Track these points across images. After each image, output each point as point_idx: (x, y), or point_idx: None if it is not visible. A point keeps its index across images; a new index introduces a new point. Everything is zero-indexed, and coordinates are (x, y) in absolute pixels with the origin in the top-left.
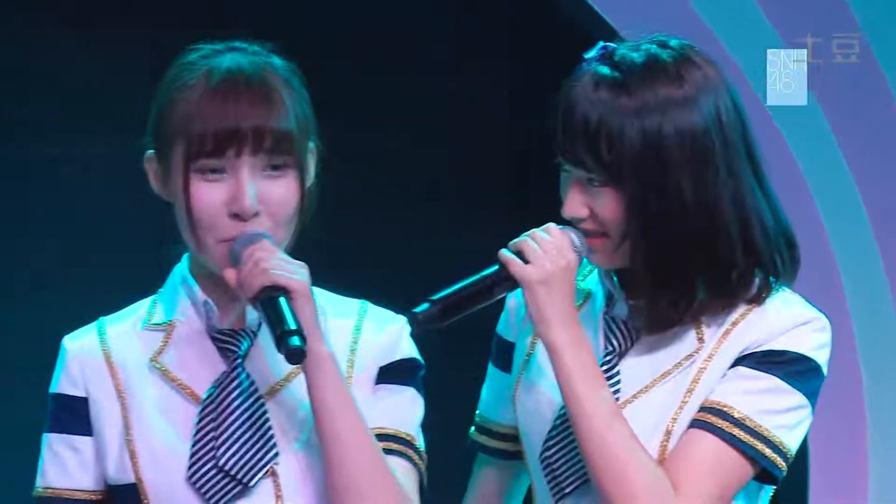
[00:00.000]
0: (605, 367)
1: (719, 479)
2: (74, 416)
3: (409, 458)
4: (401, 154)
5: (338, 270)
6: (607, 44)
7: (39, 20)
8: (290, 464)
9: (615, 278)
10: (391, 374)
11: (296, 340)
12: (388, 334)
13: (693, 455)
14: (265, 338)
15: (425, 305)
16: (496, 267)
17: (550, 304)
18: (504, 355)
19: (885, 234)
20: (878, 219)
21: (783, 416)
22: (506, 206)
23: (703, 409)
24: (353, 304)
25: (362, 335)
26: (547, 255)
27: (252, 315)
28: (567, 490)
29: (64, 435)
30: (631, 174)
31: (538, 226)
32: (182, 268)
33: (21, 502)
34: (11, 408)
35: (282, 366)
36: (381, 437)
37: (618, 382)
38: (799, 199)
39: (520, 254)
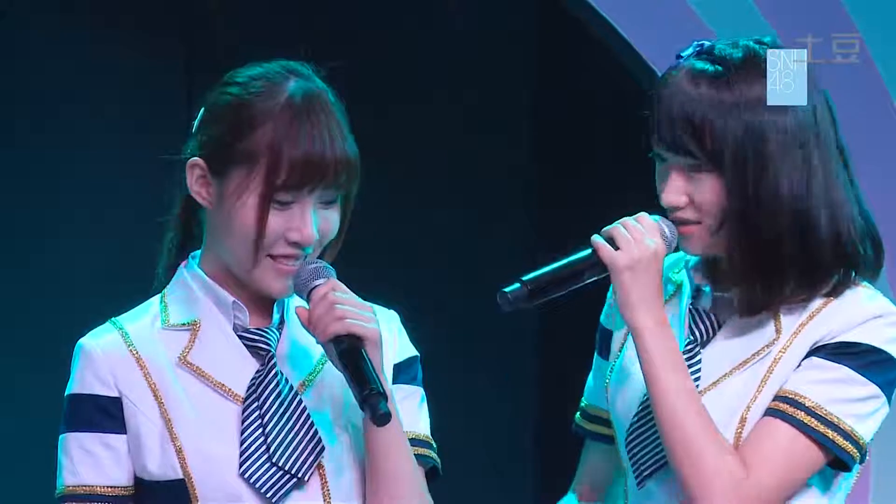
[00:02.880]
0: (686, 356)
1: (790, 465)
2: (107, 415)
3: (430, 459)
4: (404, 152)
5: (345, 271)
6: (703, 41)
7: (44, 20)
8: (330, 455)
9: (701, 269)
10: (404, 373)
11: (384, 406)
12: (393, 332)
13: (765, 442)
14: (290, 334)
15: (516, 286)
16: (587, 251)
17: (636, 289)
18: (605, 344)
19: (885, 234)
20: (878, 218)
21: (855, 405)
22: (521, 205)
23: (776, 398)
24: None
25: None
26: (636, 242)
27: (276, 313)
28: (647, 472)
29: (98, 434)
30: (731, 164)
31: (549, 225)
32: (192, 267)
33: (32, 501)
34: (17, 410)
35: (309, 359)
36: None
37: (698, 371)
38: None
39: (610, 240)
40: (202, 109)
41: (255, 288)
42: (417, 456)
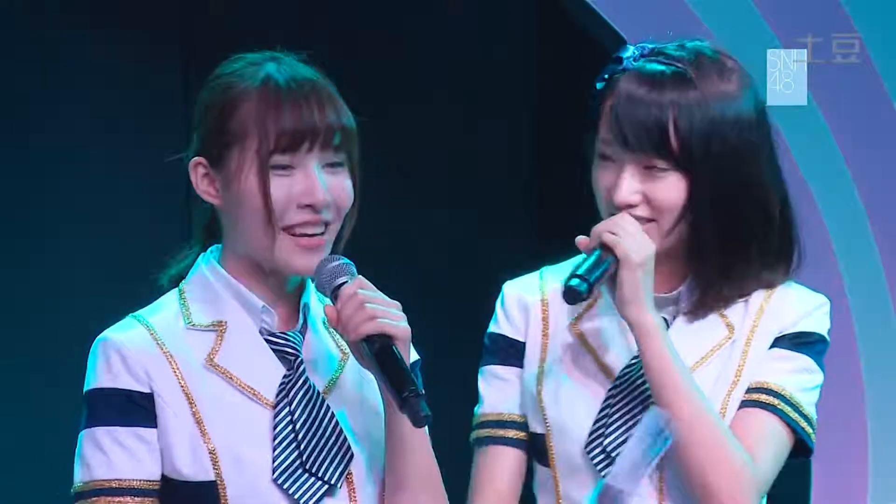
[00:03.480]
0: (639, 360)
1: (777, 452)
2: (140, 409)
3: None
4: (404, 152)
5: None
6: (643, 44)
7: (51, 21)
8: (356, 461)
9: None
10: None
11: (426, 407)
12: None
13: (754, 431)
14: (312, 337)
15: (577, 280)
16: (598, 251)
17: (645, 287)
18: (511, 353)
19: (884, 234)
20: (878, 218)
21: (811, 393)
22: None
23: (754, 389)
24: None
25: None
26: (641, 240)
27: (302, 315)
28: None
29: (131, 427)
30: (699, 160)
31: (545, 227)
32: (212, 265)
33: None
34: (18, 410)
35: (329, 363)
36: None
37: None
38: (798, 198)
39: (610, 236)
40: (195, 109)
41: (280, 269)
42: None
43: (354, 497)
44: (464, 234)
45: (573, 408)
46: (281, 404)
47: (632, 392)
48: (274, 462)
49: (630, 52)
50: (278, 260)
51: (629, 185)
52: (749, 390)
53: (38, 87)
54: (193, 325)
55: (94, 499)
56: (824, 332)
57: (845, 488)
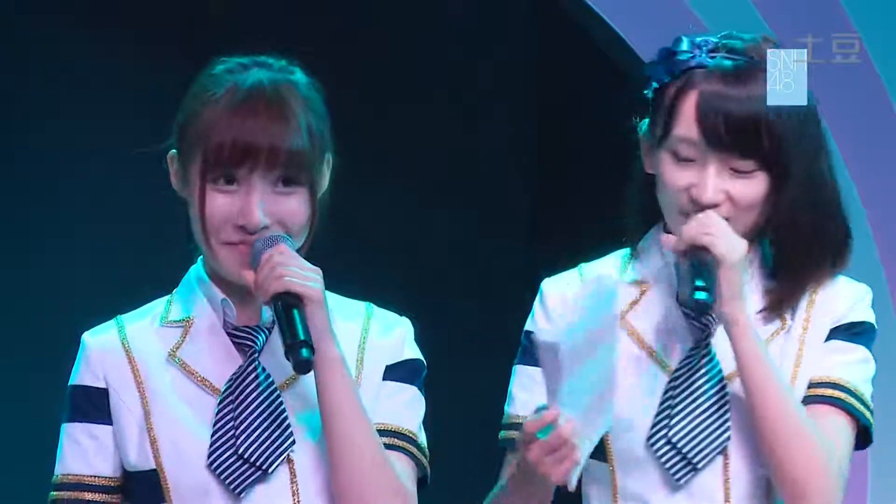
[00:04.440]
0: (699, 348)
1: (849, 445)
2: (95, 405)
3: (410, 454)
4: (404, 152)
5: (346, 271)
6: (700, 37)
7: (51, 21)
8: (304, 451)
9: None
10: (396, 372)
11: (304, 353)
12: (394, 335)
13: (827, 427)
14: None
15: (704, 294)
16: (695, 259)
17: (743, 283)
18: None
19: (884, 234)
20: (878, 218)
21: (869, 383)
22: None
23: (820, 384)
24: (359, 307)
25: (370, 336)
26: (736, 240)
27: (267, 311)
28: (699, 465)
29: (85, 424)
30: (790, 158)
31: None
32: (197, 268)
33: (40, 492)
34: (28, 404)
35: None
36: (384, 432)
37: (717, 360)
38: None
39: (707, 237)
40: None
41: (227, 277)
42: (396, 447)
43: (296, 486)
44: (464, 234)
45: (632, 402)
46: (226, 392)
47: (692, 384)
48: (210, 448)
49: (689, 46)
50: (222, 270)
51: (715, 184)
52: (815, 384)
53: (38, 87)
54: (168, 322)
55: (57, 493)
56: (873, 321)
57: (845, 488)
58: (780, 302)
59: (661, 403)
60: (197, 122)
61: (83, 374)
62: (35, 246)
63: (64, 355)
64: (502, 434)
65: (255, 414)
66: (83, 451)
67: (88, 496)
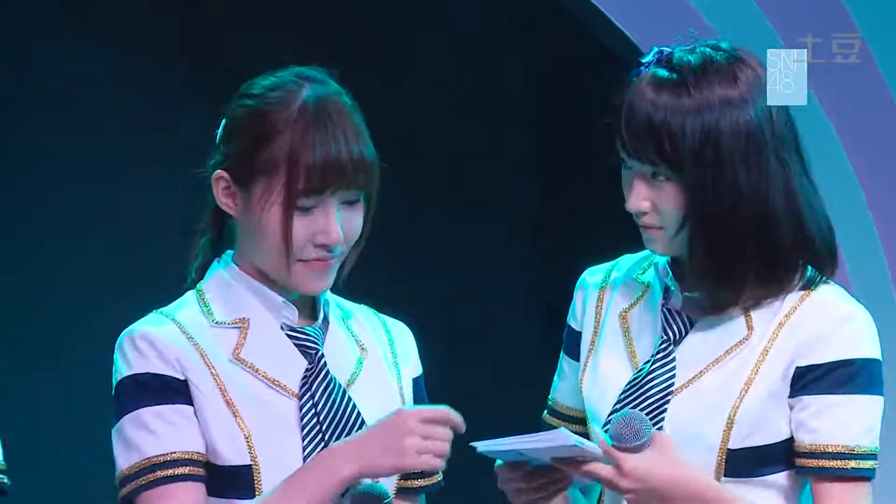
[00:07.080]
0: (661, 355)
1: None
2: (175, 390)
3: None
4: (404, 152)
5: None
6: (662, 48)
7: (51, 21)
8: None
9: (670, 272)
10: (419, 388)
11: None
12: (411, 343)
13: (842, 501)
14: (333, 333)
15: None
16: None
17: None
18: (572, 344)
19: (888, 234)
20: (882, 218)
21: (874, 429)
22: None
23: (818, 454)
24: (366, 310)
25: (396, 343)
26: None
27: (321, 311)
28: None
29: (164, 406)
30: (691, 167)
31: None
32: (230, 267)
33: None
34: (17, 410)
35: (350, 358)
36: None
37: (673, 369)
38: None
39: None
40: (223, 121)
41: (293, 290)
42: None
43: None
44: (464, 234)
45: (604, 393)
46: (305, 396)
47: (647, 384)
48: (304, 451)
49: (653, 56)
50: (291, 283)
51: (638, 192)
52: (818, 455)
53: (38, 87)
54: (217, 322)
55: (149, 475)
56: (869, 354)
57: None
58: (714, 307)
59: (617, 401)
60: (268, 150)
61: (150, 363)
62: (35, 246)
63: (64, 355)
64: (543, 415)
65: (338, 417)
66: (181, 429)
67: (187, 470)
